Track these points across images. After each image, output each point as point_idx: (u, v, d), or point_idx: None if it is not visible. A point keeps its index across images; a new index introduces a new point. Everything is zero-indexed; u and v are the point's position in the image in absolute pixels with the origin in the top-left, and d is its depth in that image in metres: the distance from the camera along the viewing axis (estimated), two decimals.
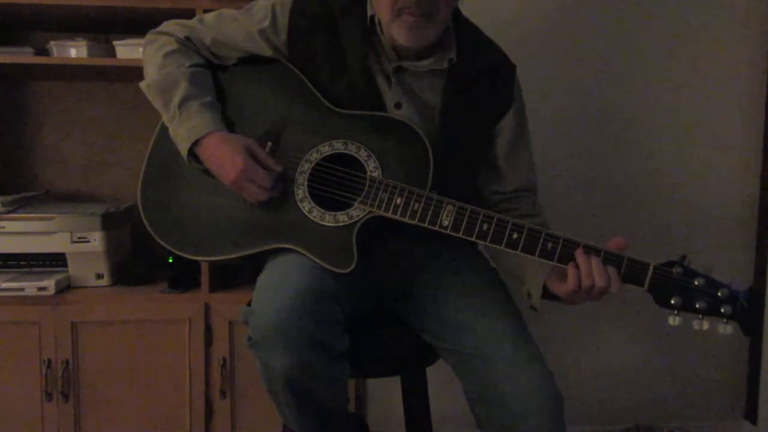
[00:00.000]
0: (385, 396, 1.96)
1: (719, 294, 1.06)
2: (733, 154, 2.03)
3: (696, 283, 1.07)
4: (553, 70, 1.94)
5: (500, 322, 1.20)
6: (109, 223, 1.77)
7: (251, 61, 1.35)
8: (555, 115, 1.95)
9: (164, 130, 1.32)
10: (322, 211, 1.21)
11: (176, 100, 1.25)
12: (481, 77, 1.29)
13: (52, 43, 1.81)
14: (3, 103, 2.03)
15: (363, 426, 1.47)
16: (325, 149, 1.25)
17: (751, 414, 2.07)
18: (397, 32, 1.20)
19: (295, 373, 1.06)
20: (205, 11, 1.68)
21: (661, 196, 2.00)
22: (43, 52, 1.85)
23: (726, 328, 1.06)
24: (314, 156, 1.25)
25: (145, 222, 1.31)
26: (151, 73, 1.32)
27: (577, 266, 1.09)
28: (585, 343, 2.05)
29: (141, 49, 1.37)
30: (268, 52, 1.32)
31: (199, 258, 1.30)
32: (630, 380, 2.07)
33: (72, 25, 1.92)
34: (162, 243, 1.29)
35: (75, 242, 1.73)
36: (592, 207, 1.98)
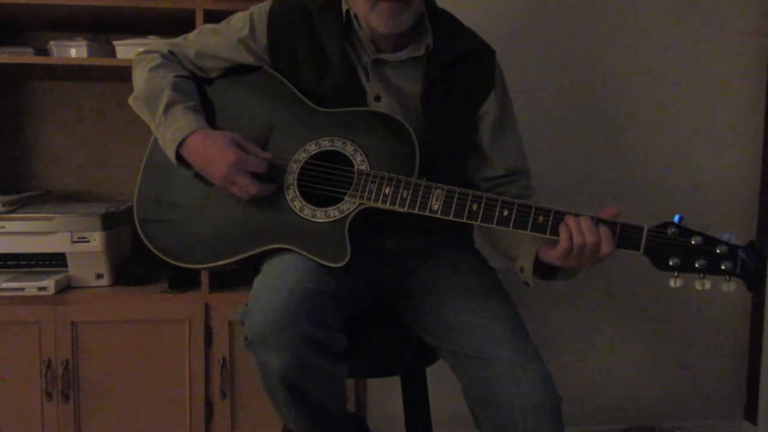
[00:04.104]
0: (385, 396, 1.96)
1: (718, 251, 1.03)
2: (733, 153, 2.03)
3: (693, 241, 1.04)
4: (551, 69, 1.94)
5: (498, 323, 1.20)
6: (109, 223, 1.77)
7: (234, 71, 1.37)
8: (552, 114, 1.95)
9: (155, 145, 1.34)
10: (313, 208, 1.21)
11: (161, 106, 1.27)
12: (459, 62, 1.31)
13: (52, 43, 1.82)
14: (3, 103, 2.03)
15: (363, 426, 1.47)
16: (312, 148, 1.26)
17: (751, 414, 2.07)
18: (376, 21, 1.23)
19: (292, 372, 1.06)
20: (205, 11, 1.69)
21: (660, 195, 2.00)
22: (43, 52, 1.85)
23: (729, 285, 1.03)
24: (302, 156, 1.26)
25: (143, 236, 1.33)
26: (137, 87, 1.35)
27: (567, 228, 1.08)
28: (585, 343, 2.05)
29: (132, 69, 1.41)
30: (249, 59, 1.35)
31: (199, 267, 1.32)
32: (630, 380, 2.07)
33: (72, 25, 1.92)
34: (162, 257, 1.31)
35: (75, 242, 1.73)
36: (589, 206, 1.97)
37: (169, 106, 1.27)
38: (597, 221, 1.09)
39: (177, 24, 1.73)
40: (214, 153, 1.21)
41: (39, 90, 2.03)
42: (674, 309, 2.04)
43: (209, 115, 1.33)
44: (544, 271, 1.19)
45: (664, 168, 2.00)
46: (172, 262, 1.30)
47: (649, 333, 2.06)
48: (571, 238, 1.08)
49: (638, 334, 2.06)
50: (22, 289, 1.67)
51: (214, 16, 1.62)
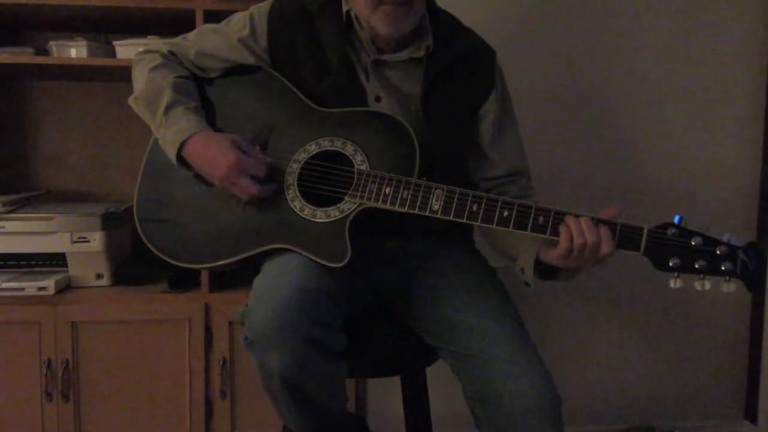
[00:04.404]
0: (385, 396, 1.96)
1: (718, 251, 1.03)
2: (733, 153, 2.03)
3: (693, 242, 1.04)
4: (550, 70, 1.94)
5: (499, 323, 1.20)
6: (109, 223, 1.77)
7: (234, 71, 1.37)
8: (551, 114, 1.95)
9: (156, 144, 1.34)
10: (314, 208, 1.22)
11: (162, 107, 1.27)
12: (459, 62, 1.31)
13: (52, 43, 1.82)
14: (3, 103, 2.03)
15: (363, 426, 1.47)
16: (312, 148, 1.26)
17: (751, 414, 2.07)
18: (378, 24, 1.23)
19: (292, 372, 1.06)
20: (205, 11, 1.69)
21: (659, 196, 2.00)
22: (43, 52, 1.85)
23: (729, 286, 1.03)
24: (302, 156, 1.26)
25: (143, 236, 1.33)
26: (138, 87, 1.35)
27: (567, 228, 1.08)
28: (585, 343, 2.05)
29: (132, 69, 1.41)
30: (249, 59, 1.35)
31: (199, 266, 1.32)
32: (630, 380, 2.07)
33: (72, 25, 1.92)
34: (162, 257, 1.31)
35: (75, 242, 1.73)
36: (589, 207, 1.97)
37: (169, 107, 1.27)
38: (597, 222, 1.09)
39: (177, 24, 1.73)
40: (214, 154, 1.21)
41: (39, 90, 2.03)
42: (674, 309, 2.04)
43: (209, 115, 1.33)
44: (545, 271, 1.19)
45: (664, 168, 2.00)
46: (172, 261, 1.30)
47: (649, 333, 2.06)
48: (571, 239, 1.08)
49: (638, 334, 2.06)
50: (22, 289, 1.67)
51: (214, 16, 1.62)
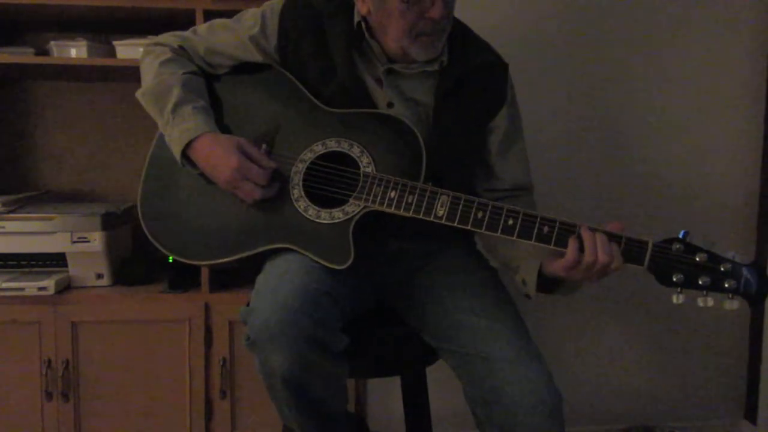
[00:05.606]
0: (385, 396, 1.96)
1: (722, 269, 1.03)
2: (733, 153, 2.03)
3: (698, 258, 1.04)
4: (551, 71, 1.94)
5: (499, 322, 1.20)
6: (109, 223, 1.77)
7: (243, 68, 1.37)
8: (553, 117, 1.95)
9: (162, 140, 1.34)
10: (318, 209, 1.21)
11: (170, 105, 1.26)
12: (472, 76, 1.30)
13: (52, 43, 1.82)
14: (3, 103, 2.03)
15: (363, 426, 1.48)
16: (319, 148, 1.26)
17: (751, 414, 2.07)
18: (414, 51, 1.24)
19: (294, 372, 1.06)
20: (205, 11, 1.70)
21: (660, 197, 2.00)
22: (43, 52, 1.85)
23: (732, 303, 1.03)
24: (308, 155, 1.26)
25: (147, 232, 1.33)
26: (146, 81, 1.34)
27: (578, 240, 1.08)
28: (585, 343, 2.05)
29: (139, 60, 1.40)
30: (258, 57, 1.34)
31: (201, 263, 1.31)
32: (630, 380, 2.07)
33: (72, 25, 1.92)
34: (164, 251, 1.31)
35: (75, 242, 1.73)
36: (590, 209, 1.98)
37: (177, 105, 1.26)
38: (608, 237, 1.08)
39: (177, 24, 1.73)
40: (219, 157, 1.21)
41: (39, 90, 2.03)
42: (674, 309, 2.03)
43: (217, 112, 1.33)
44: (545, 284, 1.19)
45: (664, 175, 2.00)
46: (175, 257, 1.29)
47: (649, 333, 2.06)
48: (579, 251, 1.07)
49: (638, 334, 2.06)
50: (22, 289, 1.67)
51: (214, 16, 1.61)
